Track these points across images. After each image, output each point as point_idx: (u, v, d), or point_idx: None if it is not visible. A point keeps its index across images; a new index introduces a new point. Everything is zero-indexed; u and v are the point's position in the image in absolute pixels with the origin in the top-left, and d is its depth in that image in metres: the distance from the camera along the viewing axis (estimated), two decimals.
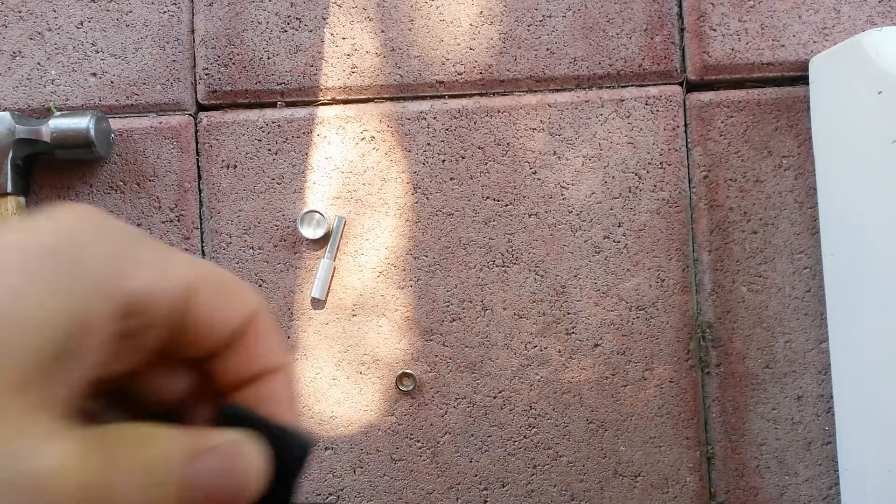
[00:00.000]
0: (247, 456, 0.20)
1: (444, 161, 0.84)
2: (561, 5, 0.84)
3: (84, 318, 0.17)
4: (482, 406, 0.84)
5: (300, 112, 0.84)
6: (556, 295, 0.84)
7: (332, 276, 0.83)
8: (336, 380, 0.84)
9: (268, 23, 0.84)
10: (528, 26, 0.84)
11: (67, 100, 0.84)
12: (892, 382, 0.72)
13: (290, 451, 0.21)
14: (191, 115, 0.84)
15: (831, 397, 0.83)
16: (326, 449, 0.84)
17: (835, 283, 0.81)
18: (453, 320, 0.84)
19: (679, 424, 0.84)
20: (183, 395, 0.23)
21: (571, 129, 0.84)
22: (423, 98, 0.85)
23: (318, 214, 0.83)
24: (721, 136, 0.84)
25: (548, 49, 0.84)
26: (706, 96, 0.84)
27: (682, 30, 0.85)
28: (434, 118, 0.84)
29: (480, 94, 0.85)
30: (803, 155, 0.84)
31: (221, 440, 0.19)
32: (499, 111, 0.84)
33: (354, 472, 0.84)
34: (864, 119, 0.73)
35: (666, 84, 0.85)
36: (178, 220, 0.83)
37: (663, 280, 0.84)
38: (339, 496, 0.83)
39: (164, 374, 0.22)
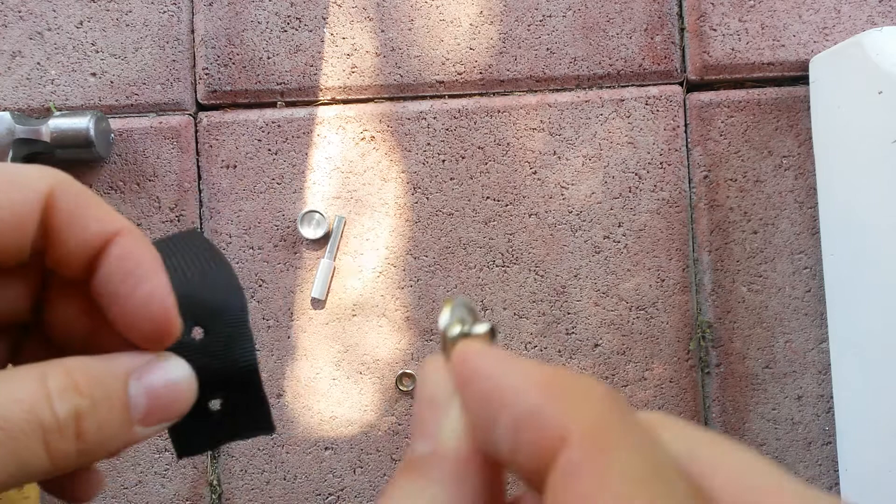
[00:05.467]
0: (177, 367, 0.20)
1: (444, 161, 0.84)
2: (561, 5, 0.84)
3: None
4: None
5: (300, 112, 0.84)
6: (556, 295, 0.84)
7: (332, 276, 0.83)
8: (336, 380, 0.84)
9: (268, 23, 0.84)
10: (528, 26, 0.84)
11: (67, 100, 0.84)
12: (892, 382, 0.72)
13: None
14: (191, 115, 0.84)
15: (831, 397, 0.83)
16: (326, 449, 0.84)
17: (835, 283, 0.81)
18: None
19: None
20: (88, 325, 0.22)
21: (571, 129, 0.84)
22: (423, 98, 0.85)
23: (318, 214, 0.83)
24: (721, 136, 0.84)
25: (548, 49, 0.84)
26: (706, 96, 0.84)
27: (682, 30, 0.85)
28: (434, 118, 0.84)
29: (480, 94, 0.85)
30: (803, 155, 0.84)
31: (151, 356, 0.20)
32: (499, 111, 0.84)
33: (354, 472, 0.83)
34: (864, 119, 0.73)
35: (666, 84, 0.85)
36: (178, 220, 0.83)
37: (663, 280, 0.84)
38: (339, 496, 0.83)
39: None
